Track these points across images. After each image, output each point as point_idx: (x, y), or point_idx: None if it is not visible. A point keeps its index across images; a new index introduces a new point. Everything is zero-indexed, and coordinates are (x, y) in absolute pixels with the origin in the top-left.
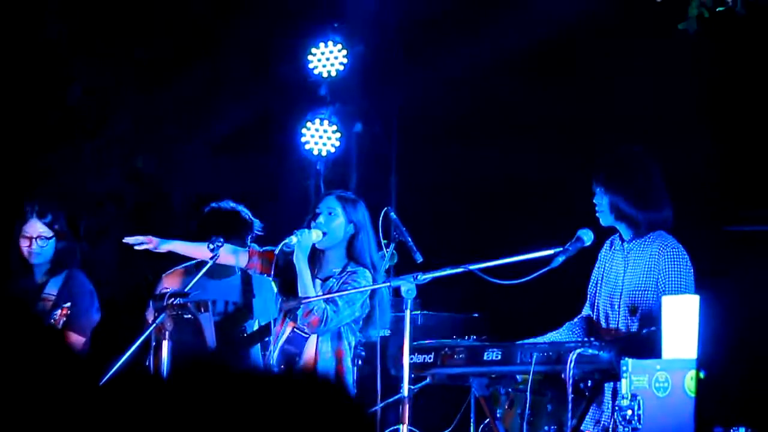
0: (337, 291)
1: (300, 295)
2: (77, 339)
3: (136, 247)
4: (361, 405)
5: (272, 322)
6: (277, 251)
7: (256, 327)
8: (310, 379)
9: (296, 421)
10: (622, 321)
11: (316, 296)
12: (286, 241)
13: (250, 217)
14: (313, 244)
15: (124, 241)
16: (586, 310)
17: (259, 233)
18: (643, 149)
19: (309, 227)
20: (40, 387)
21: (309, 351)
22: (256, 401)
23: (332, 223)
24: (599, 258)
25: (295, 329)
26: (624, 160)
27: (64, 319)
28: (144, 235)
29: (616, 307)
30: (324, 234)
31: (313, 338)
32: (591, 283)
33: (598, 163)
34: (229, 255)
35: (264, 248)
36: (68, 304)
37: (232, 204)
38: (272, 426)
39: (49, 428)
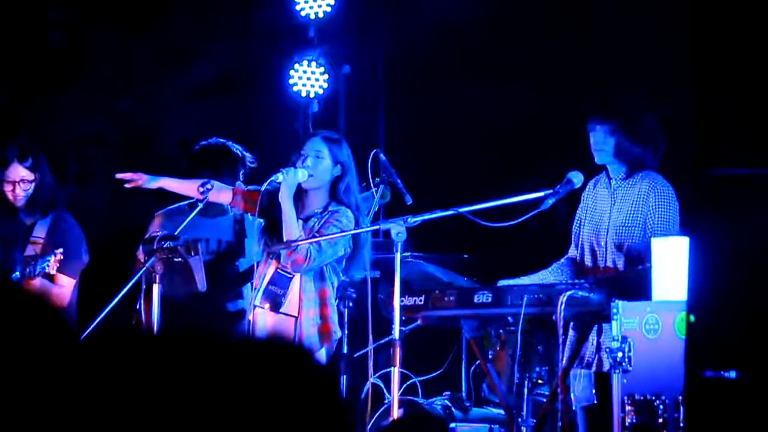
0: (319, 230)
1: (284, 233)
2: (68, 281)
3: (126, 185)
4: (328, 377)
5: (255, 263)
6: (262, 189)
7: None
8: (279, 349)
9: (261, 392)
10: (610, 258)
11: (304, 239)
12: (272, 178)
13: (242, 151)
14: (298, 184)
15: (116, 176)
16: (571, 251)
17: (252, 165)
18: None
19: (295, 167)
20: (18, 352)
21: (293, 291)
22: (220, 371)
23: (320, 165)
24: (583, 198)
25: (278, 269)
26: (633, 101)
27: (57, 265)
28: (134, 172)
29: (602, 243)
30: (310, 176)
31: (296, 278)
32: (575, 223)
33: (607, 103)
34: (215, 193)
35: (249, 187)
36: (60, 250)
37: (222, 140)
38: (234, 395)
39: (31, 393)
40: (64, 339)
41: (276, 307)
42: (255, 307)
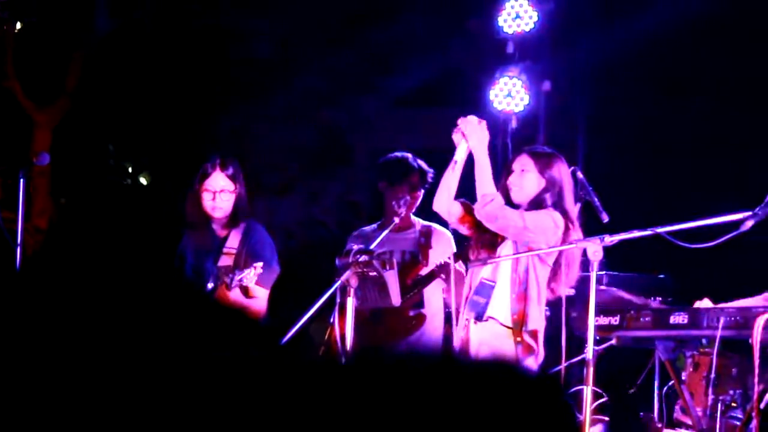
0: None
1: (478, 186)
2: (263, 293)
3: None
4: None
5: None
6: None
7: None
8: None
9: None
10: None
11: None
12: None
13: (420, 165)
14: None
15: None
16: None
17: (430, 181)
18: None
19: None
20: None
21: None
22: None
23: (525, 180)
24: None
25: (483, 279)
26: None
27: (256, 278)
28: None
29: None
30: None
31: (501, 289)
32: None
33: None
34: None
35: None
36: (260, 264)
37: (403, 154)
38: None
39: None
40: (268, 348)
41: (478, 317)
42: (467, 320)
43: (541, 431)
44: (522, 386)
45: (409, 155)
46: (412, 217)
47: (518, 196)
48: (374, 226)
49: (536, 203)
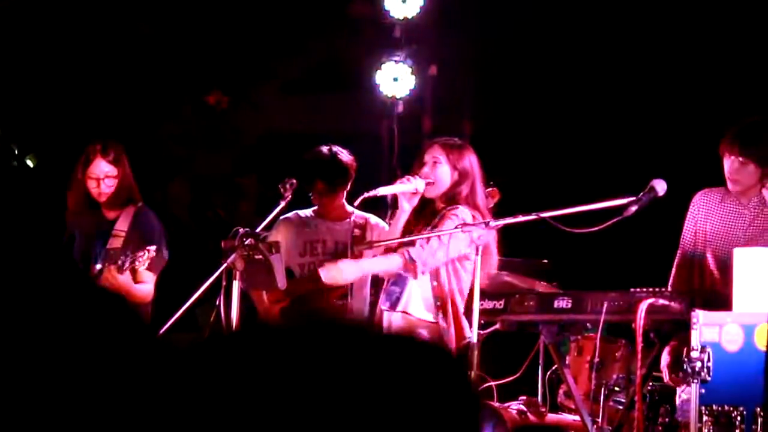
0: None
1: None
2: (151, 277)
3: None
4: (465, 371)
5: None
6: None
7: None
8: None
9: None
10: None
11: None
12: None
13: (350, 160)
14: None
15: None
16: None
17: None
18: None
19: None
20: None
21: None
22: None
23: (437, 172)
24: (696, 211)
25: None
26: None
27: (149, 261)
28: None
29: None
30: (428, 183)
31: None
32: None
33: (749, 133)
34: None
35: None
36: (153, 247)
37: (333, 149)
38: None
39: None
40: (144, 337)
41: (393, 306)
42: (383, 310)
43: (439, 398)
44: (418, 354)
45: (336, 151)
46: (347, 206)
47: (432, 189)
48: (309, 211)
49: (450, 197)
